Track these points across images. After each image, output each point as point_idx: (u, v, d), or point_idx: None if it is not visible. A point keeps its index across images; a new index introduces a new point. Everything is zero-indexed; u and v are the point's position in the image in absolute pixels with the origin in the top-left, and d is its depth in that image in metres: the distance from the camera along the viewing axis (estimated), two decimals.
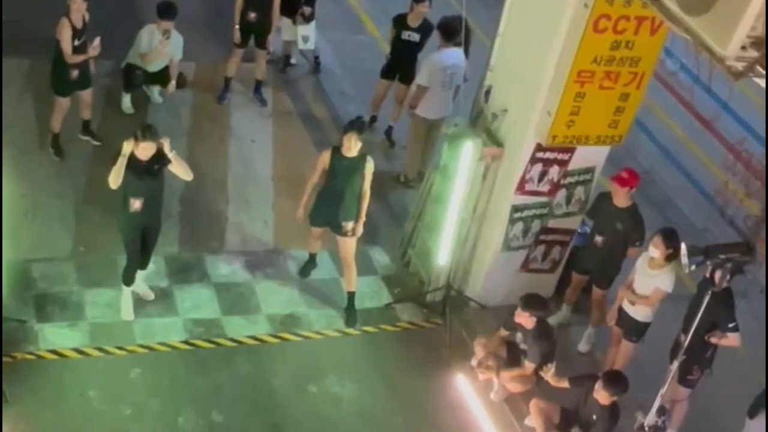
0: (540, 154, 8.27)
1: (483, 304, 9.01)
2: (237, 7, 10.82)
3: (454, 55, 10.00)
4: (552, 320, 8.39)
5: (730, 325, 7.43)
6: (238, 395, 7.91)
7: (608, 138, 8.10)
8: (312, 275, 9.17)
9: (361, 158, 8.35)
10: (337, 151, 8.34)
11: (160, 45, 10.12)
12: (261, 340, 8.47)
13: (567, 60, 7.50)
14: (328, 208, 8.50)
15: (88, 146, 10.04)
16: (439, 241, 8.68)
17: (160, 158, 7.71)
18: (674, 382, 7.44)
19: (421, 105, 10.20)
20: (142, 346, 8.13)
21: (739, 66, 4.82)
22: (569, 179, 8.61)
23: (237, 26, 10.85)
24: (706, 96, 10.95)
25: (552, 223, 8.83)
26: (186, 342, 8.26)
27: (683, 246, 6.38)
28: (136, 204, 7.75)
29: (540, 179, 8.46)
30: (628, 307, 8.06)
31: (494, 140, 8.47)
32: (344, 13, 13.55)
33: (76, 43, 9.36)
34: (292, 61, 12.21)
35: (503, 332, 8.19)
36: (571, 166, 8.50)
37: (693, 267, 6.30)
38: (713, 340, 7.50)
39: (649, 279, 7.87)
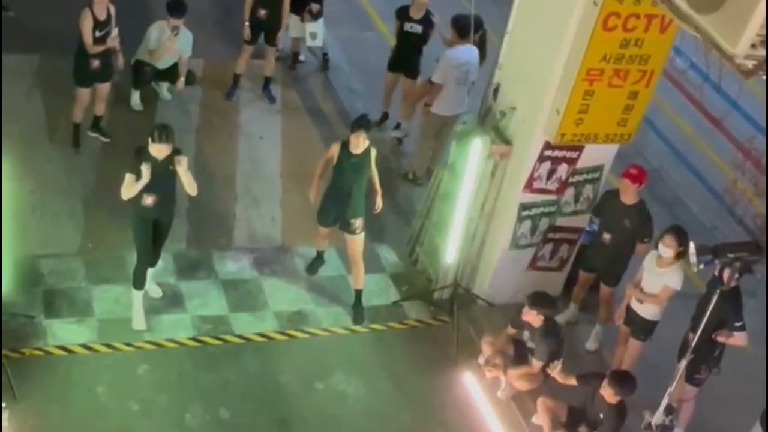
0: (548, 152, 8.25)
1: (490, 302, 9.00)
2: (247, 4, 10.85)
3: (468, 52, 10.00)
4: (559, 318, 8.39)
5: (737, 324, 7.40)
6: (246, 392, 7.91)
7: (617, 136, 8.08)
8: (319, 272, 9.17)
9: (366, 154, 8.37)
10: (345, 147, 8.35)
11: (168, 41, 10.11)
12: (268, 337, 8.47)
13: (576, 58, 7.47)
14: (336, 206, 8.50)
15: (97, 142, 10.05)
16: (447, 239, 8.67)
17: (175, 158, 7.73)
18: (682, 381, 7.42)
19: (436, 102, 10.21)
20: (149, 342, 8.13)
21: (749, 64, 4.82)
22: (578, 177, 8.59)
23: (247, 23, 10.88)
24: (716, 94, 10.92)
25: (560, 222, 8.82)
26: (194, 339, 8.27)
27: (692, 245, 6.38)
28: (148, 200, 7.75)
29: (548, 177, 8.44)
30: (636, 306, 8.05)
31: (503, 138, 8.45)
32: (352, 10, 13.55)
33: (98, 34, 9.39)
34: (301, 58, 12.21)
35: (511, 330, 8.19)
36: (579, 165, 8.48)
37: (701, 266, 6.30)
38: (720, 339, 7.48)
39: (658, 277, 7.85)
